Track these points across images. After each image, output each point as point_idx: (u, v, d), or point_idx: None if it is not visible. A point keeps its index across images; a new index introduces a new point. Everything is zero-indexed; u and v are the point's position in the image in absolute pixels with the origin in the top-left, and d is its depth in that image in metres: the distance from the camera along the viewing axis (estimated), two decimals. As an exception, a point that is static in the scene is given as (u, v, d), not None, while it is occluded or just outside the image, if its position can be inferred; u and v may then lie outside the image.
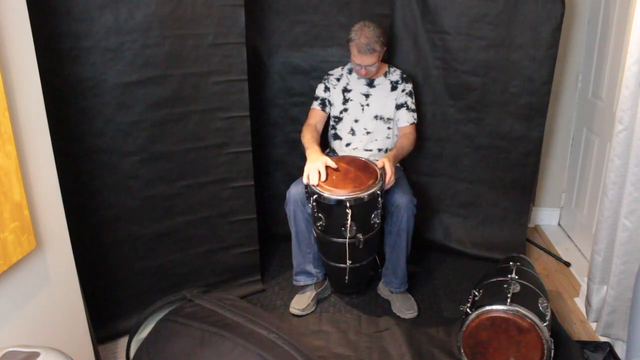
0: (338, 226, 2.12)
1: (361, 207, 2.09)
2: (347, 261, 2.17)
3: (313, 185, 2.11)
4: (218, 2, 2.10)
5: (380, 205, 2.15)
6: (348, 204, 2.05)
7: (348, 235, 2.09)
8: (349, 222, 2.06)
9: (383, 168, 2.17)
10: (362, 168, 2.22)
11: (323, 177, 2.12)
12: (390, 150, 2.41)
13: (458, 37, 2.58)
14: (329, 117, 2.56)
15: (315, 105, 2.54)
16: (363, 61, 2.33)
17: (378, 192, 2.10)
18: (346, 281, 2.28)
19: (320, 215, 2.15)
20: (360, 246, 2.14)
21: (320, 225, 2.18)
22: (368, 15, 2.62)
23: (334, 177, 2.15)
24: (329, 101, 2.53)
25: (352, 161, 2.28)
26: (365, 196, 2.07)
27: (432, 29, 2.62)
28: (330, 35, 2.69)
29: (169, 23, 2.00)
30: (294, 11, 2.67)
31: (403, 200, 2.23)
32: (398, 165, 2.58)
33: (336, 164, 2.23)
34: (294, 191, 2.30)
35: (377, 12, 2.65)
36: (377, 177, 2.14)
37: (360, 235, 2.12)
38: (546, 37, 2.50)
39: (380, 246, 2.41)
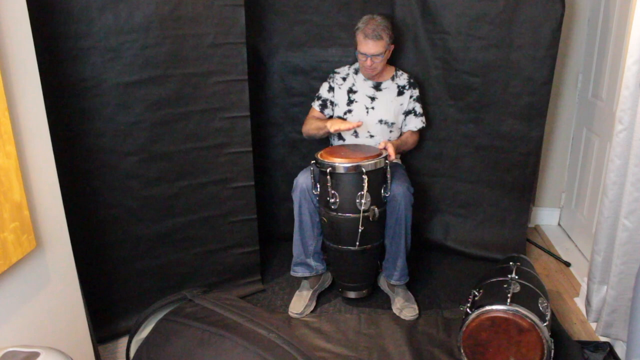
0: (352, 199, 2.16)
1: (373, 176, 2.16)
2: (360, 227, 2.17)
3: (324, 161, 2.17)
4: (218, 2, 2.10)
5: (388, 180, 2.22)
6: (364, 170, 2.11)
7: (361, 205, 2.15)
8: (365, 189, 2.12)
9: (385, 148, 2.25)
10: (365, 147, 2.34)
11: (346, 126, 2.28)
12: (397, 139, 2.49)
13: (458, 37, 2.58)
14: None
15: (315, 105, 2.55)
16: (369, 49, 2.32)
17: (386, 161, 2.19)
18: (357, 245, 2.22)
19: (334, 191, 2.17)
20: (376, 219, 2.19)
21: (334, 203, 2.19)
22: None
23: (342, 153, 2.23)
24: (332, 102, 2.52)
25: (353, 145, 2.42)
26: (376, 163, 2.16)
27: (432, 29, 2.62)
28: (330, 35, 2.70)
29: (169, 23, 2.00)
30: (294, 11, 2.67)
31: (399, 190, 2.24)
32: (399, 162, 2.60)
33: (339, 147, 2.37)
34: (302, 179, 2.31)
35: (377, 12, 2.63)
36: (381, 152, 2.23)
37: (374, 207, 2.17)
38: (546, 37, 2.49)
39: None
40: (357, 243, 2.21)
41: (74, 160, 1.96)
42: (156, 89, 2.05)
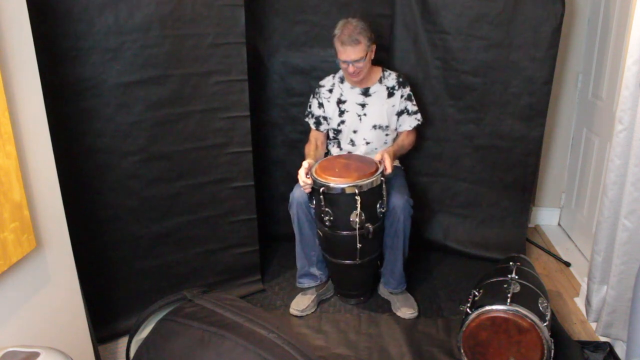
0: (346, 217, 2.12)
1: (368, 194, 2.11)
2: (358, 245, 2.15)
3: (317, 179, 2.13)
4: (218, 2, 2.10)
5: (384, 196, 2.17)
6: (357, 191, 2.06)
7: (355, 224, 2.11)
8: (358, 209, 2.07)
9: (382, 161, 2.20)
10: (361, 161, 2.26)
11: (304, 179, 2.16)
12: (391, 146, 2.43)
13: (458, 37, 2.58)
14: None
15: (311, 123, 2.53)
16: (348, 55, 2.25)
17: (382, 179, 2.14)
18: (334, 283, 2.26)
19: (327, 209, 2.14)
20: (370, 236, 2.15)
21: (328, 221, 2.17)
22: (368, 15, 2.62)
23: (336, 170, 2.17)
24: (325, 117, 2.49)
25: (350, 157, 2.34)
26: (372, 182, 2.10)
27: (432, 29, 2.62)
28: (330, 35, 2.68)
29: (169, 23, 2.00)
30: (294, 11, 2.67)
31: (399, 202, 2.23)
32: (399, 165, 2.59)
33: (335, 160, 2.28)
34: (298, 193, 2.29)
35: (377, 12, 2.64)
36: (377, 167, 2.17)
37: (369, 225, 2.13)
38: (546, 37, 2.49)
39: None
40: (359, 260, 2.19)
41: (74, 160, 1.96)
42: (156, 89, 2.05)
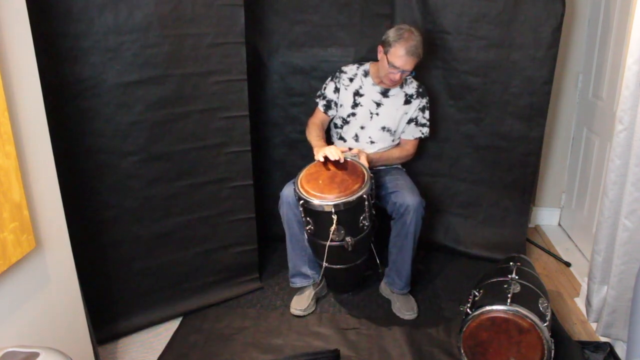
0: (326, 230, 2.10)
1: (347, 212, 2.07)
2: (324, 263, 2.16)
3: (299, 191, 2.10)
4: (218, 2, 2.10)
5: (367, 209, 2.12)
6: (333, 210, 2.03)
7: (333, 238, 2.09)
8: (333, 227, 2.05)
9: (368, 168, 2.17)
10: (350, 171, 2.18)
11: (341, 156, 2.15)
12: (377, 152, 2.43)
13: (458, 37, 2.58)
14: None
15: (320, 105, 2.49)
16: (406, 64, 2.23)
17: (364, 196, 2.08)
18: (325, 279, 2.33)
19: (308, 219, 2.14)
20: (350, 249, 2.13)
21: (309, 229, 2.17)
22: (368, 15, 2.62)
23: (319, 182, 2.12)
24: (336, 103, 2.48)
25: (342, 164, 2.22)
26: (351, 201, 2.04)
27: (432, 29, 2.62)
28: (330, 35, 2.69)
29: (168, 23, 2.00)
30: (294, 11, 2.66)
31: (413, 201, 2.20)
32: (399, 166, 2.58)
33: (323, 169, 2.21)
34: (287, 192, 2.28)
35: (377, 12, 2.64)
36: (363, 180, 2.11)
37: (349, 238, 2.11)
38: (546, 37, 2.49)
39: (377, 246, 2.40)
40: (343, 265, 2.19)
41: (74, 160, 1.96)
42: (156, 89, 2.05)
